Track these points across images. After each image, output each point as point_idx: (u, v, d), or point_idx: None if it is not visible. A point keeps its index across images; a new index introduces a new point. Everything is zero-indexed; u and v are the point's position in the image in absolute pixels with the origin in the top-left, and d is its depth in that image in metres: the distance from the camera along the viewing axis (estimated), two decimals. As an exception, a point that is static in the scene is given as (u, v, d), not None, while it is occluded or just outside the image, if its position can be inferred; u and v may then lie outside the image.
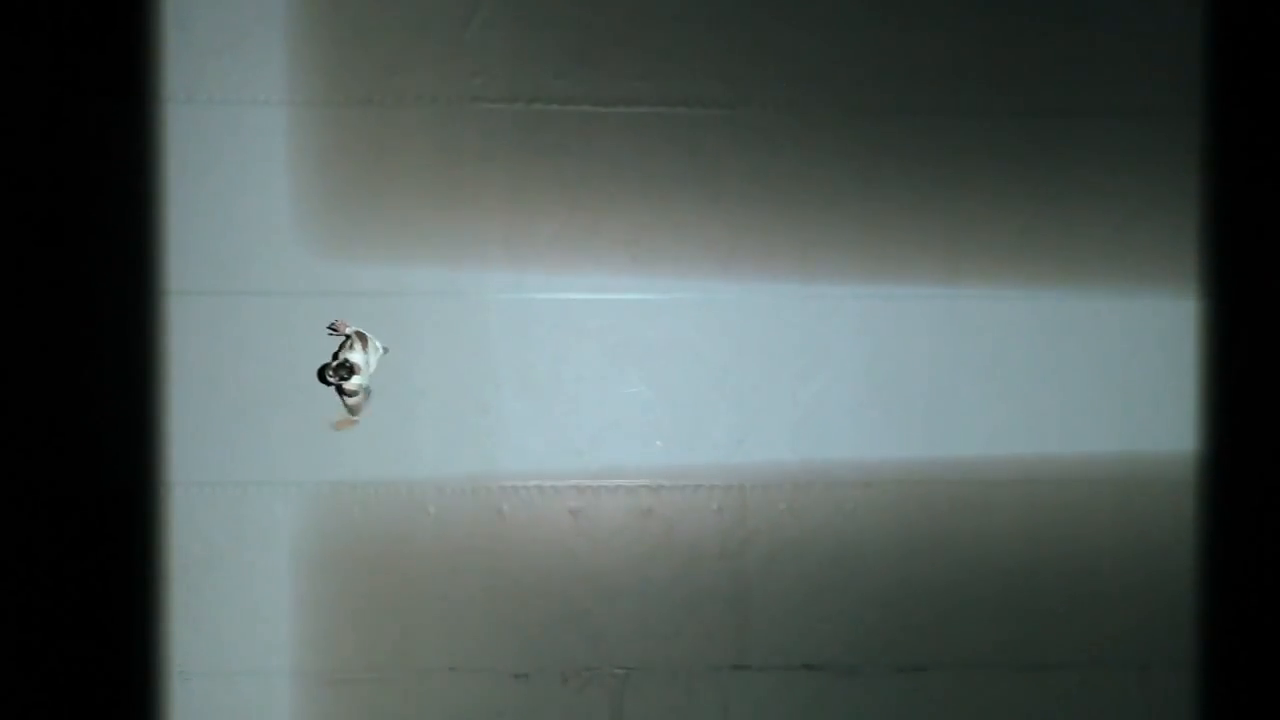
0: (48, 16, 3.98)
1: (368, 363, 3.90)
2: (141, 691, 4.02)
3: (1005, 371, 4.21)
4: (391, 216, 4.08)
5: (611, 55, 4.14)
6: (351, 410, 3.89)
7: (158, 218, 4.02)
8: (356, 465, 4.07)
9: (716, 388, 4.17)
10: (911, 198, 4.19)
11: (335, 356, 3.85)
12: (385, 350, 3.95)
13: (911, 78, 4.19)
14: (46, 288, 3.98)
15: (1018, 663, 4.20)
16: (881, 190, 4.18)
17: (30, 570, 3.98)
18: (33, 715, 3.99)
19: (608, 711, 4.12)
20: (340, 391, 3.86)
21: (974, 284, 4.20)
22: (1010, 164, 4.21)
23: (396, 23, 4.08)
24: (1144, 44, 4.22)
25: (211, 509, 4.03)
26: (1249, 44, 4.25)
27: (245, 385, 4.04)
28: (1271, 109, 4.24)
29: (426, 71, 4.09)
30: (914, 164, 4.19)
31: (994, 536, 4.20)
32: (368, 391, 3.88)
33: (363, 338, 3.90)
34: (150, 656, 4.03)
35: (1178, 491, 4.23)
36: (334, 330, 3.92)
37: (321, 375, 3.86)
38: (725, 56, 4.16)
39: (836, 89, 4.18)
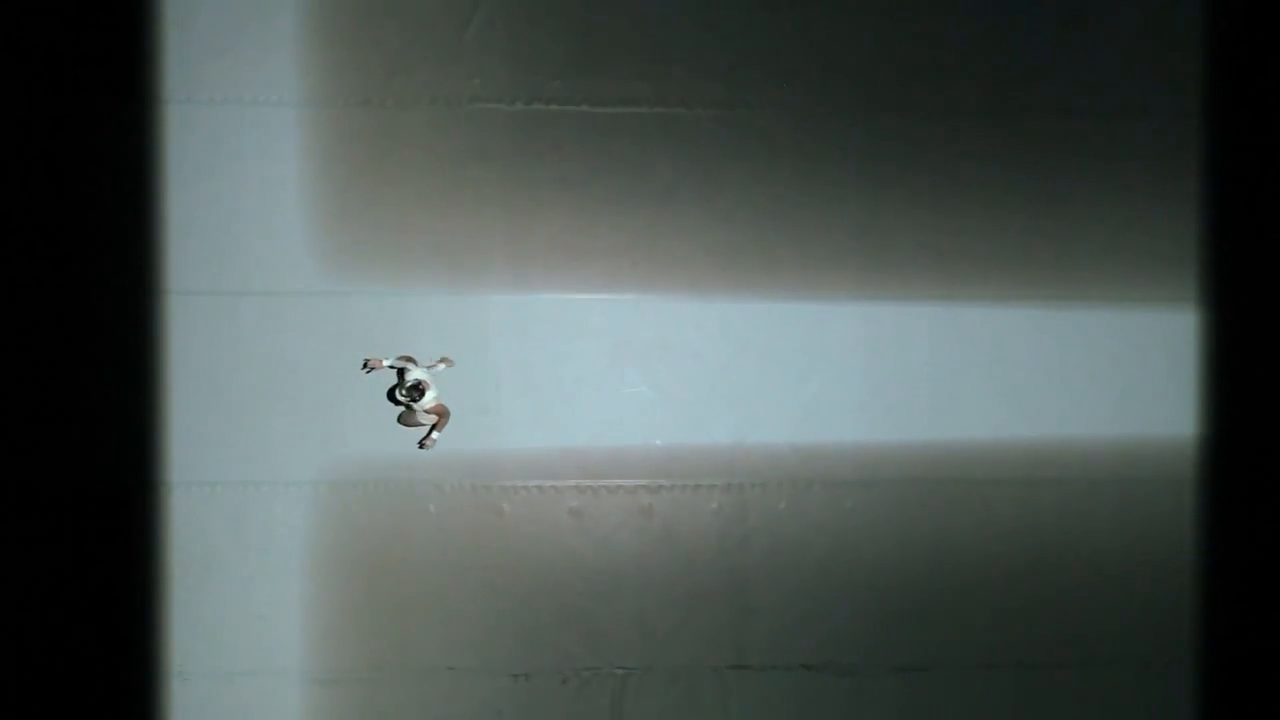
0: (48, 17, 3.98)
1: (433, 376, 3.90)
2: (141, 691, 4.03)
3: (1004, 371, 4.21)
4: (392, 217, 4.08)
5: (611, 55, 4.14)
6: (415, 420, 3.94)
7: (158, 218, 4.03)
8: (356, 465, 4.07)
9: (716, 388, 4.18)
10: (911, 198, 4.19)
11: (400, 379, 3.87)
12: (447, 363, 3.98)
13: (911, 78, 4.19)
14: (47, 288, 3.98)
15: (1018, 663, 4.20)
16: (881, 190, 4.18)
17: (30, 570, 3.98)
18: (33, 715, 3.99)
19: (608, 711, 4.13)
20: (409, 408, 3.88)
21: (973, 284, 4.21)
22: (1010, 164, 4.21)
23: (396, 23, 4.09)
24: (1144, 44, 4.23)
25: (211, 509, 4.03)
26: (1249, 44, 4.25)
27: (245, 385, 4.04)
28: (1271, 109, 4.25)
29: (426, 72, 4.09)
30: (914, 165, 4.19)
31: (993, 536, 4.20)
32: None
33: (409, 361, 3.89)
34: (150, 656, 4.03)
35: (1177, 492, 4.23)
36: (369, 368, 3.92)
37: (392, 396, 3.88)
38: (725, 57, 4.16)
39: (836, 89, 4.18)
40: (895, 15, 4.18)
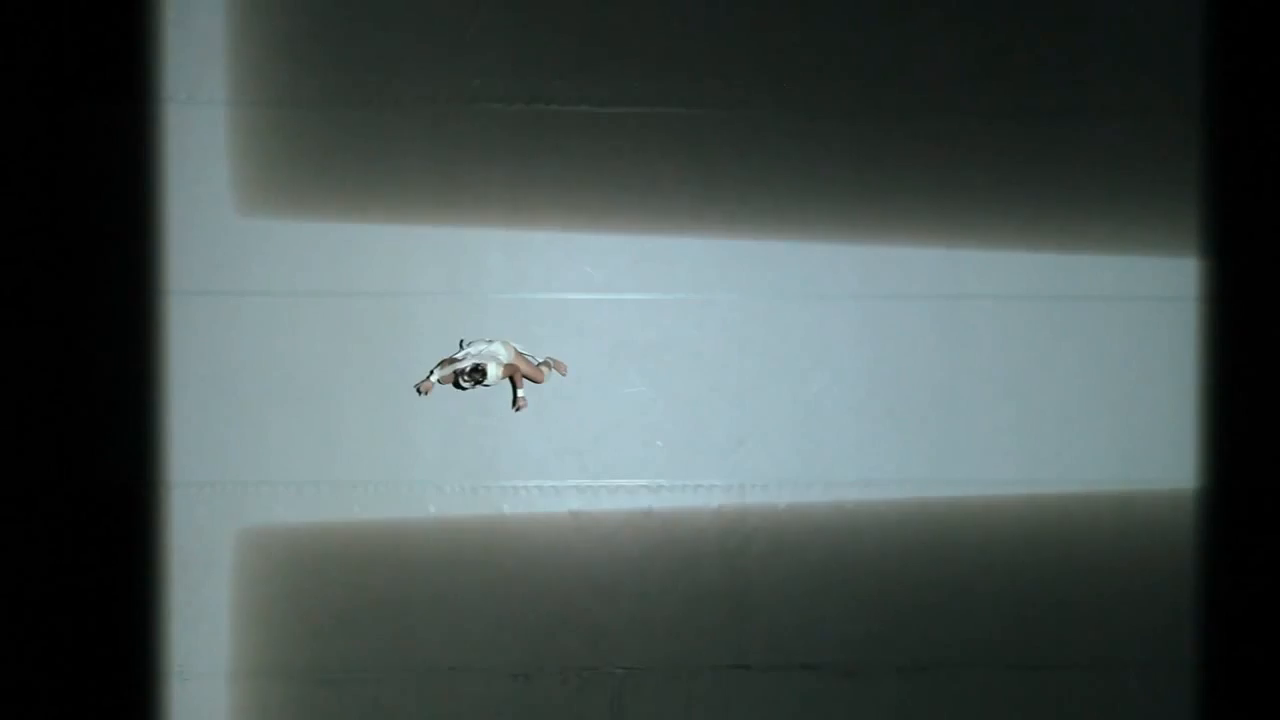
0: (48, 17, 3.98)
1: (495, 356, 3.82)
2: (141, 691, 4.03)
3: (1005, 372, 4.21)
4: (392, 217, 4.08)
5: (611, 56, 4.14)
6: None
7: (158, 218, 4.03)
8: (356, 465, 4.07)
9: (716, 388, 4.18)
10: (911, 198, 4.19)
11: (456, 371, 3.81)
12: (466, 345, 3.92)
13: (911, 78, 4.19)
14: (47, 288, 3.98)
15: (1018, 663, 4.20)
16: (881, 190, 4.18)
17: (30, 570, 3.98)
18: (33, 714, 3.99)
19: (608, 711, 4.13)
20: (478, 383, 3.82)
21: (974, 284, 4.20)
22: (1010, 164, 4.21)
23: (398, 23, 4.09)
24: (1144, 44, 4.23)
25: (211, 509, 4.03)
26: (1248, 44, 4.25)
27: (245, 385, 4.04)
28: (1271, 108, 4.24)
29: (426, 72, 4.09)
30: (914, 164, 4.19)
31: (993, 536, 4.20)
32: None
33: (450, 363, 3.84)
34: (150, 656, 4.03)
35: (1177, 492, 4.23)
36: (423, 393, 3.88)
37: (457, 385, 3.78)
38: (725, 57, 4.16)
39: (836, 89, 4.18)
40: (895, 16, 4.18)
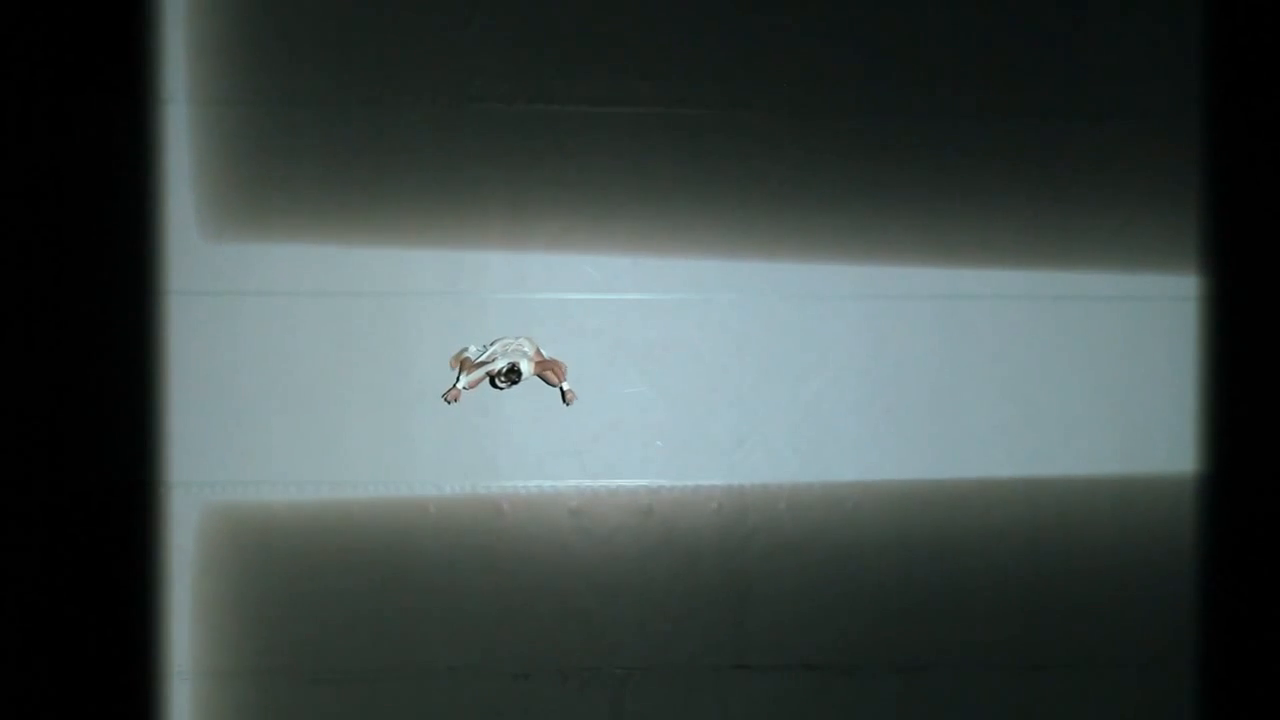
0: (47, 16, 3.98)
1: (524, 352, 3.86)
2: (141, 691, 4.02)
3: (1005, 371, 4.21)
4: (392, 217, 4.08)
5: (611, 56, 4.14)
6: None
7: (158, 218, 4.03)
8: (356, 465, 4.07)
9: (716, 388, 4.18)
10: (911, 198, 4.19)
11: (490, 373, 3.84)
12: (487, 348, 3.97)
13: (911, 78, 4.19)
14: (47, 287, 3.98)
15: (1018, 663, 4.20)
16: (881, 190, 4.19)
17: (31, 570, 3.97)
18: (33, 714, 3.99)
19: (608, 711, 4.12)
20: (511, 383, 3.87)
21: (974, 284, 4.21)
22: (1010, 164, 4.21)
23: (398, 23, 4.09)
24: (1144, 44, 4.23)
25: (211, 509, 4.03)
26: (1248, 45, 4.25)
27: (245, 385, 4.04)
28: (1271, 109, 4.25)
29: (426, 71, 4.09)
30: (914, 164, 4.19)
31: (993, 536, 4.20)
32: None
33: (479, 368, 3.85)
34: (150, 656, 4.03)
35: (1177, 491, 4.23)
36: (451, 401, 3.91)
37: (494, 384, 3.83)
38: (725, 58, 4.16)
39: (836, 89, 4.18)
40: (895, 16, 4.19)
